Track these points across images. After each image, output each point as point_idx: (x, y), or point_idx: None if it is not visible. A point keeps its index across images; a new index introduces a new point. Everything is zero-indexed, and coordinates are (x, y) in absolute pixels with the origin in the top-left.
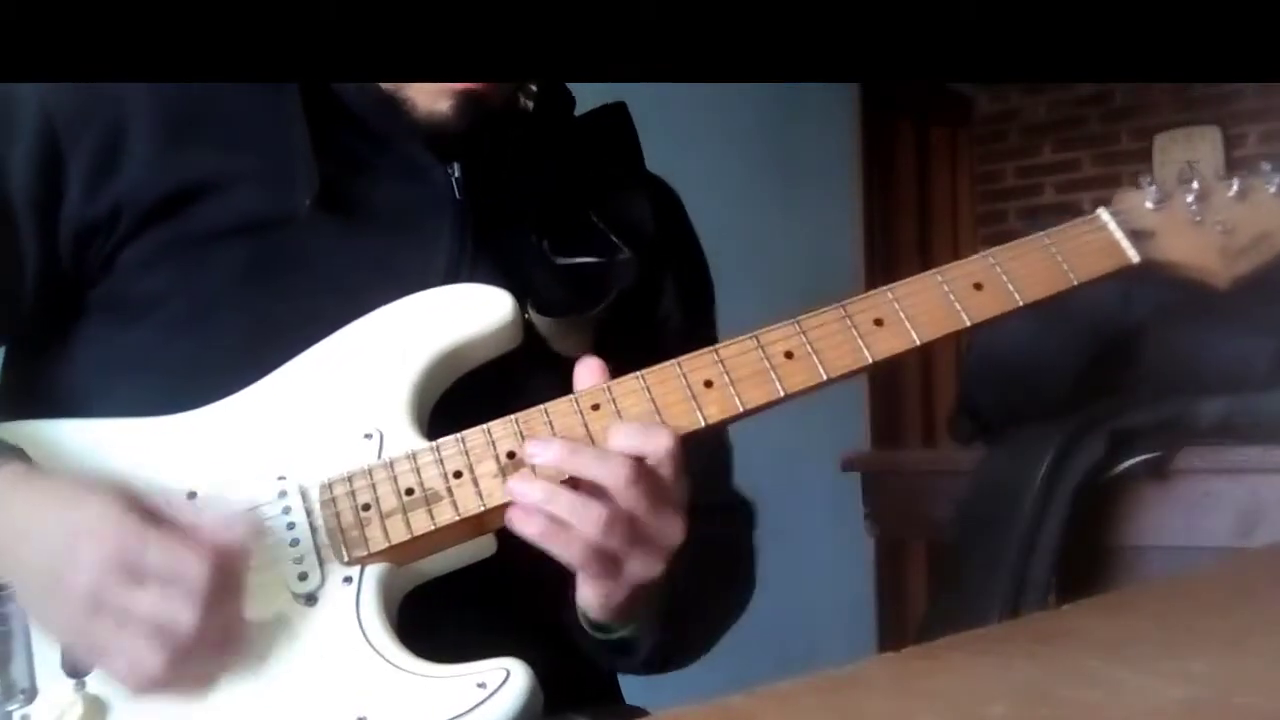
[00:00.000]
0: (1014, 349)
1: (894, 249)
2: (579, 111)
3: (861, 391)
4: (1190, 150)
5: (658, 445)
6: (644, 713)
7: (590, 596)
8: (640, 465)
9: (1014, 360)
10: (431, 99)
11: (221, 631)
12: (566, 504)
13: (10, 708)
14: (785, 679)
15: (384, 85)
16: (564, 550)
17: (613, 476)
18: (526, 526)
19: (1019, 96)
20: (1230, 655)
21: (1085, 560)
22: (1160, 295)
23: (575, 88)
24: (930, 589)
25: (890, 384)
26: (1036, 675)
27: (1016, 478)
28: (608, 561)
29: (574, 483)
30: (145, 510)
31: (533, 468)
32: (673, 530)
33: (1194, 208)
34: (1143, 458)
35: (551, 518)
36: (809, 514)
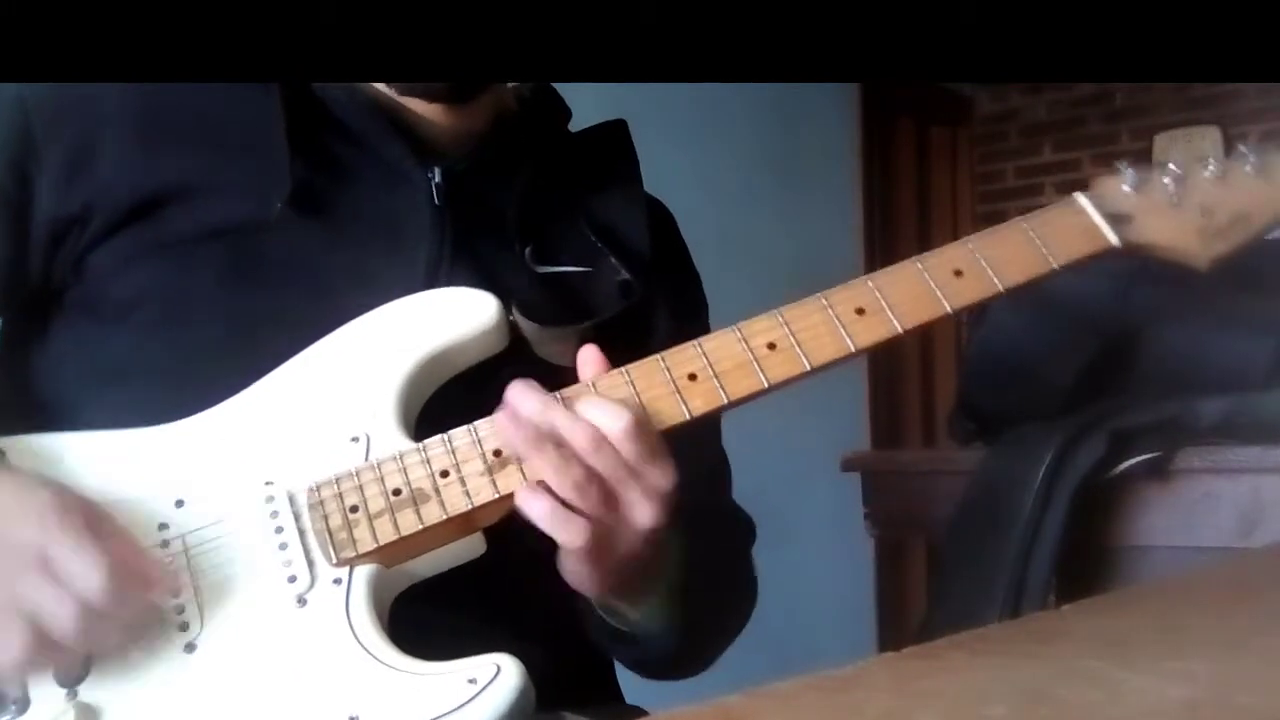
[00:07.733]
0: (1014, 349)
1: (894, 249)
2: (580, 125)
3: (861, 391)
4: (1190, 150)
5: (614, 423)
6: (643, 713)
7: (571, 568)
8: (604, 437)
9: (1014, 360)
10: (416, 101)
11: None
12: (552, 459)
13: (3, 718)
14: (785, 679)
15: (367, 87)
16: (544, 517)
17: (581, 437)
18: (530, 505)
19: (1019, 96)
20: (1230, 655)
21: (1085, 560)
22: (1160, 295)
23: (576, 93)
24: (930, 589)
25: (890, 384)
26: (1036, 675)
27: (1016, 478)
28: (585, 527)
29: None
30: (83, 515)
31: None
32: (642, 510)
33: (1172, 190)
34: (1143, 458)
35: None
36: (809, 514)
